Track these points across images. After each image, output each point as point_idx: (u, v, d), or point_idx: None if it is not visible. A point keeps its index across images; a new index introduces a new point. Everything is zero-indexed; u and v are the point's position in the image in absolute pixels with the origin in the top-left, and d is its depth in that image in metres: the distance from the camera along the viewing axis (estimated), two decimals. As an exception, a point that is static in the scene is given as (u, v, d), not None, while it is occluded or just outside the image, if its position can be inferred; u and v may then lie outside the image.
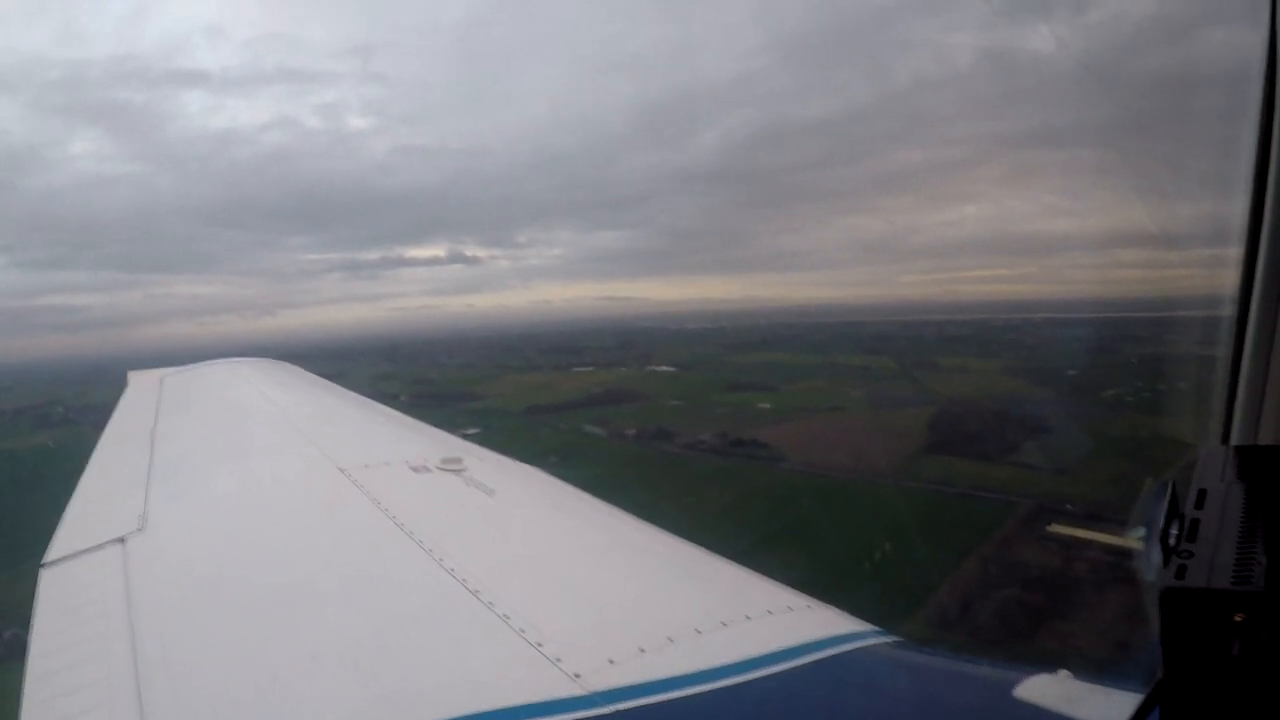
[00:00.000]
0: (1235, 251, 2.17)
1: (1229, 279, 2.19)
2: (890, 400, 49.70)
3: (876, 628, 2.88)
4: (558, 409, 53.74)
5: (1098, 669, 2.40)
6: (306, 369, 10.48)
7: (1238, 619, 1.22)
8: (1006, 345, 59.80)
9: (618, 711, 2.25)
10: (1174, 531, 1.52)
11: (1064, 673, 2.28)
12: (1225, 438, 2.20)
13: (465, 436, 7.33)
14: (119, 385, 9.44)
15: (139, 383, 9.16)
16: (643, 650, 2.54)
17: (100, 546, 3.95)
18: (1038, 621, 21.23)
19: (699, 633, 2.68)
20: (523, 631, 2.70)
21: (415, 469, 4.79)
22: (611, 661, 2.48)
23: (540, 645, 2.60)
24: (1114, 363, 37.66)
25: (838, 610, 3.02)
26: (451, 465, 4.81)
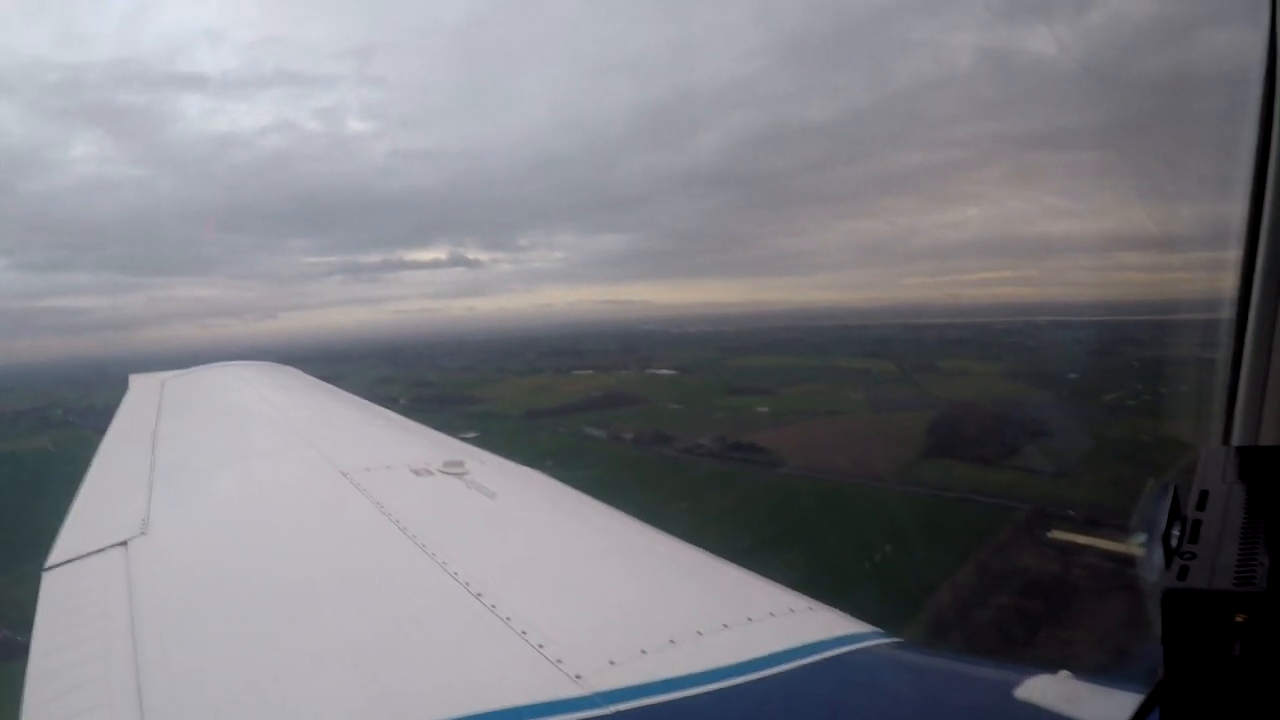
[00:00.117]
0: (1235, 253, 2.19)
1: (1229, 280, 2.22)
2: (890, 403, 49.61)
3: (878, 629, 2.88)
4: (557, 412, 53.67)
5: (1098, 671, 2.35)
6: (307, 372, 10.52)
7: (1239, 620, 1.23)
8: (1008, 348, 59.68)
9: (619, 712, 2.26)
10: (1176, 533, 1.53)
11: (1065, 673, 2.28)
12: (1226, 438, 2.24)
13: (463, 440, 7.30)
14: (120, 388, 9.46)
15: (140, 386, 9.18)
16: (644, 652, 2.56)
17: (102, 550, 3.96)
18: (1035, 629, 20.99)
19: (700, 634, 2.69)
20: (524, 633, 2.71)
21: (417, 472, 4.78)
22: (613, 663, 2.49)
23: (542, 647, 2.61)
24: (1115, 365, 37.52)
25: (839, 612, 3.01)
26: (453, 468, 4.81)
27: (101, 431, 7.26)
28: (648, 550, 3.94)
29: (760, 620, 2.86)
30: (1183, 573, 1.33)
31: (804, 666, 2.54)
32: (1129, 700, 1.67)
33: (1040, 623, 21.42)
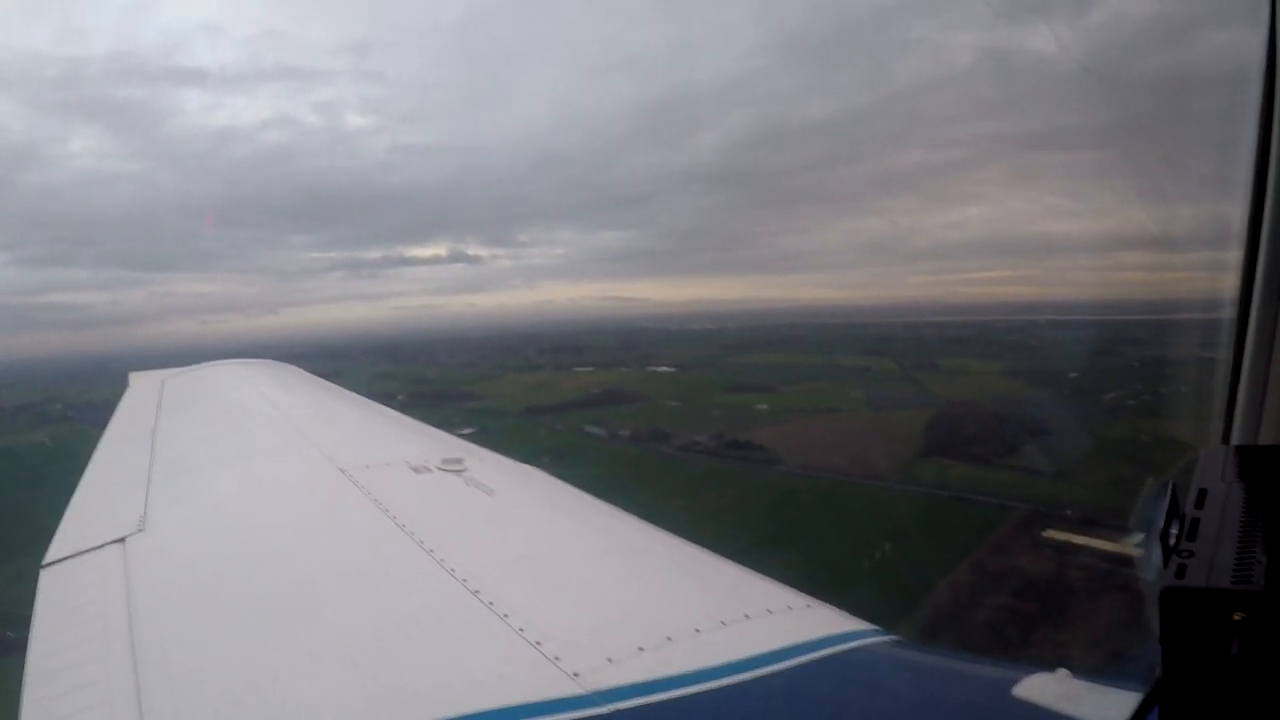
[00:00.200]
0: (1236, 253, 2.20)
1: (1229, 280, 2.23)
2: (889, 402, 49.57)
3: (876, 627, 2.88)
4: (556, 409, 53.67)
5: (1096, 670, 2.33)
6: (307, 368, 10.58)
7: (1237, 618, 1.23)
8: (1008, 347, 59.68)
9: (617, 710, 2.25)
10: (1174, 531, 1.53)
11: (1063, 672, 2.27)
12: (1226, 438, 2.25)
13: (461, 436, 7.31)
14: (119, 383, 9.53)
15: (140, 384, 9.22)
16: (642, 649, 2.55)
17: (100, 547, 3.95)
18: (1028, 630, 20.85)
19: (698, 632, 2.68)
20: (522, 630, 2.70)
21: (416, 469, 4.78)
22: (610, 660, 2.48)
23: (539, 644, 2.60)
24: (1115, 365, 37.58)
25: (837, 609, 3.01)
26: (452, 465, 4.81)
27: (100, 426, 7.29)
28: (646, 548, 3.93)
29: (758, 618, 2.85)
30: (1181, 571, 1.33)
31: (802, 664, 2.53)
32: (1127, 698, 1.68)
33: (1032, 623, 21.29)
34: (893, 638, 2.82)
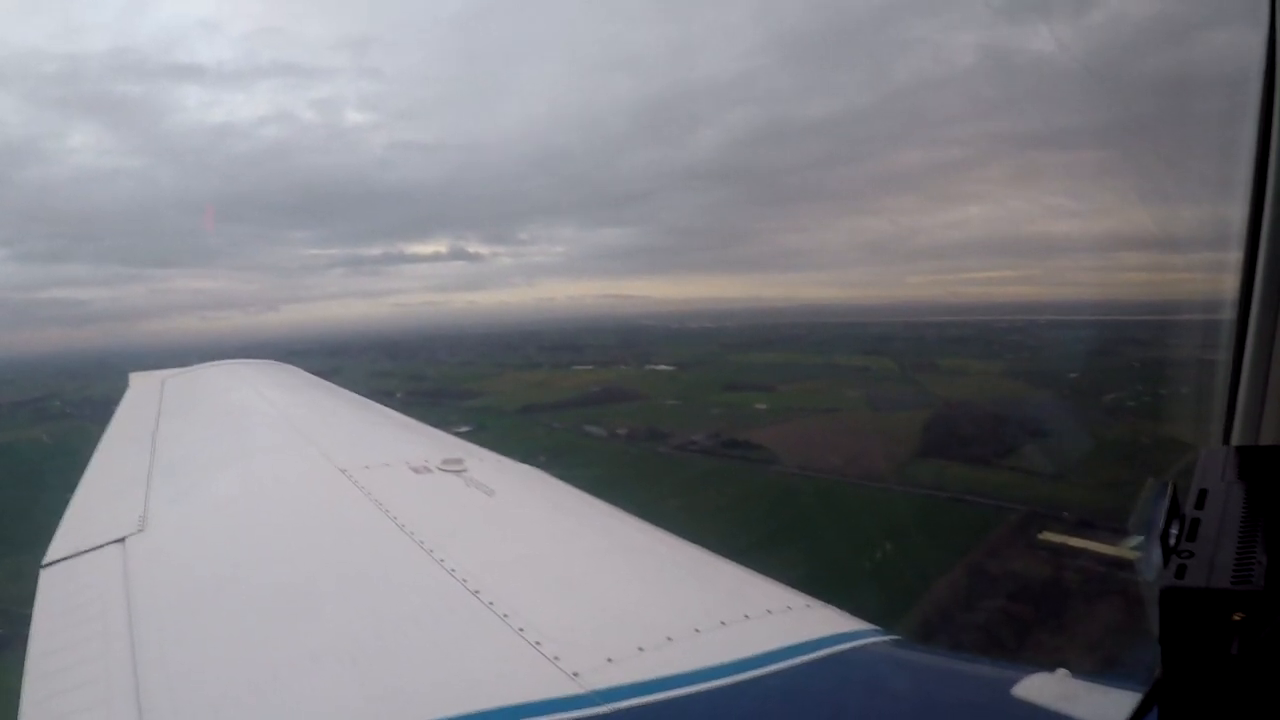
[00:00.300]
0: (1236, 253, 2.20)
1: (1230, 281, 2.23)
2: (888, 402, 49.37)
3: (876, 627, 2.88)
4: (553, 407, 53.57)
5: (1096, 669, 2.39)
6: (307, 364, 10.63)
7: (1237, 618, 1.23)
8: (1008, 347, 59.53)
9: (616, 710, 2.25)
10: (1174, 531, 1.53)
11: (1063, 672, 2.28)
12: (1226, 438, 2.25)
13: (457, 434, 7.33)
14: (118, 379, 9.58)
15: (140, 384, 9.20)
16: (641, 649, 2.55)
17: (100, 547, 3.96)
18: (1020, 634, 20.63)
19: (698, 632, 2.68)
20: (521, 630, 2.70)
21: (415, 469, 4.79)
22: (610, 660, 2.48)
23: (539, 644, 2.60)
24: (1115, 365, 37.49)
25: (837, 609, 3.01)
26: (452, 466, 4.82)
27: (99, 423, 7.38)
28: (646, 548, 3.94)
29: (758, 618, 2.85)
30: (1181, 571, 1.33)
31: (802, 664, 2.53)
32: (1127, 698, 1.68)
33: (1024, 628, 21.07)
34: (893, 638, 2.81)
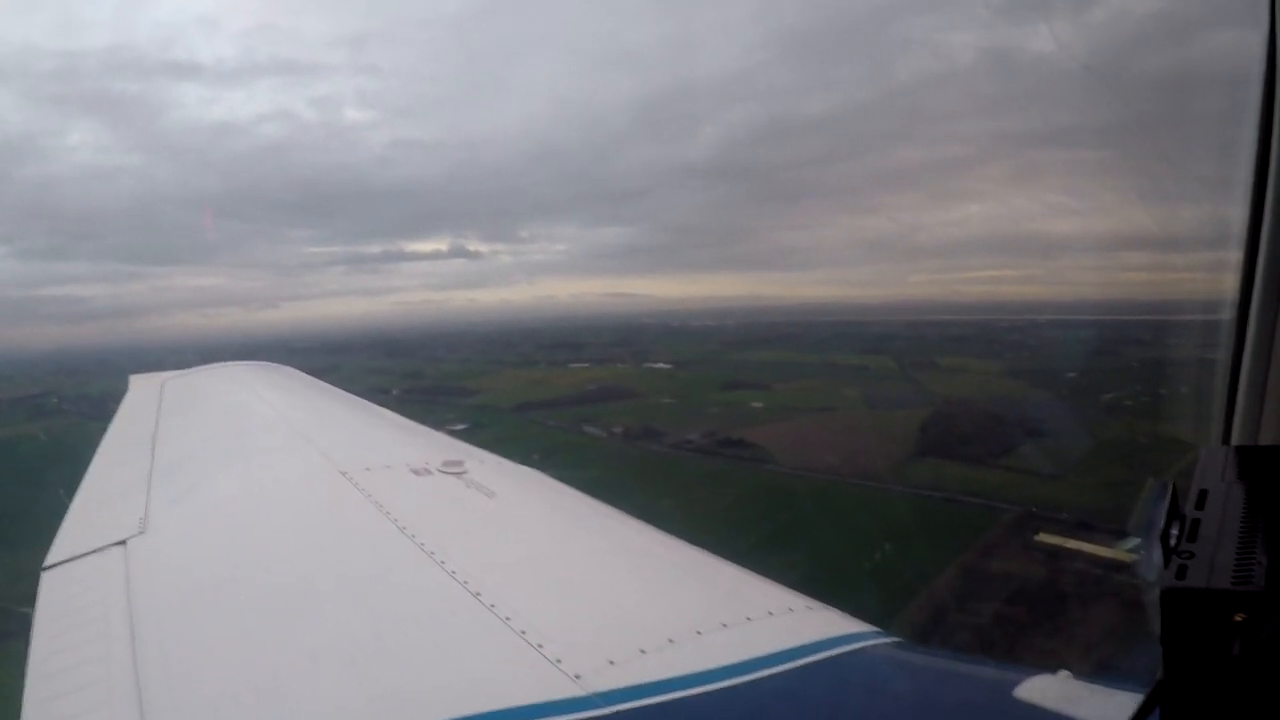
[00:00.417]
0: (1236, 253, 2.20)
1: (1230, 280, 2.24)
2: (886, 401, 49.30)
3: (877, 629, 2.89)
4: (549, 405, 53.45)
5: (1097, 670, 2.29)
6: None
7: (1238, 619, 1.22)
8: (1008, 346, 59.45)
9: (618, 712, 2.26)
10: (1174, 532, 1.53)
11: (1064, 673, 2.29)
12: (1226, 438, 2.26)
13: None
14: (117, 377, 9.66)
15: (140, 386, 9.25)
16: (643, 651, 2.56)
17: (101, 549, 3.98)
18: (1013, 638, 20.22)
19: (699, 634, 2.69)
20: (523, 633, 2.71)
21: (416, 472, 4.80)
22: (612, 662, 2.49)
23: (541, 646, 2.61)
24: (1115, 365, 37.38)
25: (838, 611, 3.02)
26: (452, 468, 4.83)
27: (96, 420, 7.49)
28: (647, 550, 3.95)
29: (759, 620, 2.85)
30: (1181, 571, 1.33)
31: (803, 666, 2.53)
32: (1128, 700, 1.69)
33: (1016, 631, 20.69)
34: (894, 640, 2.82)
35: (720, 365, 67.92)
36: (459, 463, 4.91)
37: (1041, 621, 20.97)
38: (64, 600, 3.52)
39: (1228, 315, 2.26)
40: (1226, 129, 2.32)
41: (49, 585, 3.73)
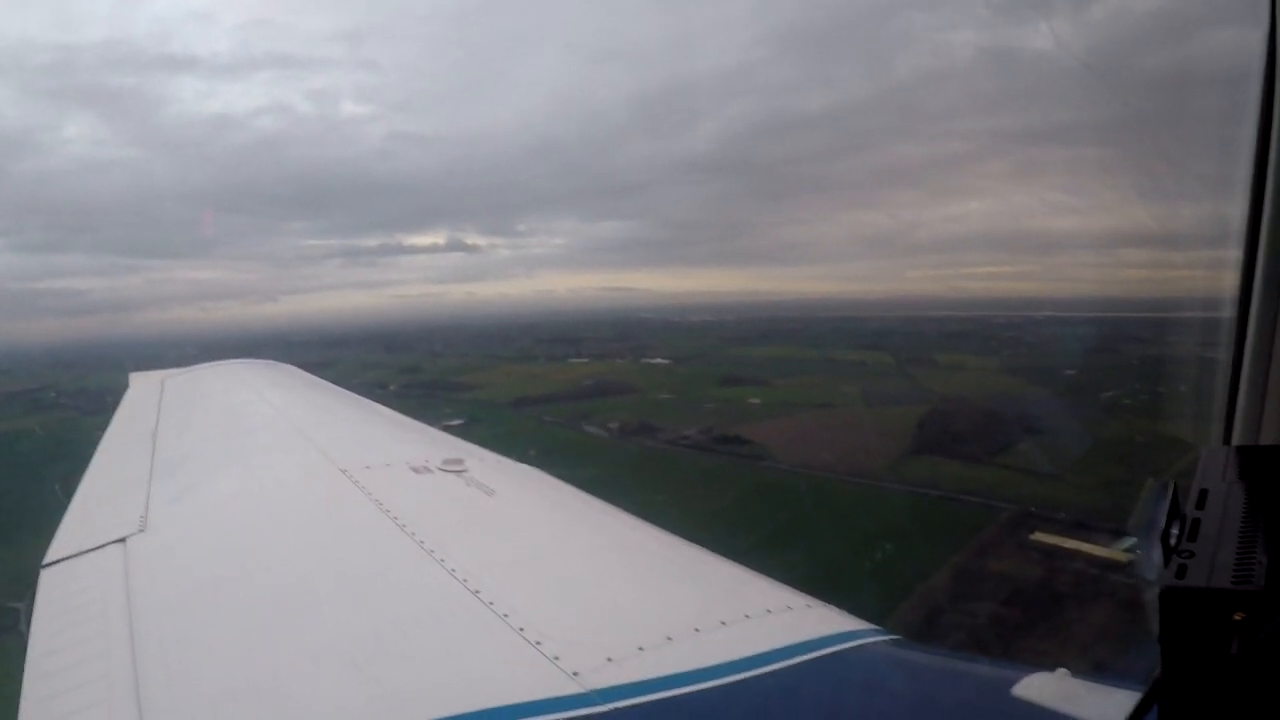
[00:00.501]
0: (1236, 252, 2.20)
1: (1230, 279, 2.23)
2: (883, 397, 49.27)
3: (876, 627, 2.88)
4: (546, 401, 53.43)
5: (1096, 668, 2.39)
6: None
7: (1238, 618, 1.22)
8: (1006, 343, 59.50)
9: (616, 709, 2.26)
10: (1175, 531, 1.53)
11: (1063, 671, 2.28)
12: (1227, 438, 2.25)
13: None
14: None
15: (140, 384, 9.28)
16: (641, 649, 2.56)
17: (101, 547, 3.99)
18: (1006, 639, 20.05)
19: (698, 631, 2.69)
20: (521, 630, 2.71)
21: (416, 470, 4.82)
22: (610, 660, 2.49)
23: (539, 644, 2.61)
24: (1114, 363, 37.31)
25: (837, 609, 3.02)
26: (452, 466, 4.83)
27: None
28: (645, 548, 3.96)
29: (758, 617, 2.85)
30: (1181, 571, 1.33)
31: (802, 664, 2.53)
32: (1127, 698, 1.66)
33: (1010, 632, 20.54)
34: (893, 637, 2.81)
35: (718, 361, 67.94)
36: (459, 461, 4.91)
37: (1035, 623, 20.82)
38: (63, 598, 3.52)
39: (1228, 314, 2.25)
40: (1226, 127, 2.30)
41: (48, 583, 3.73)
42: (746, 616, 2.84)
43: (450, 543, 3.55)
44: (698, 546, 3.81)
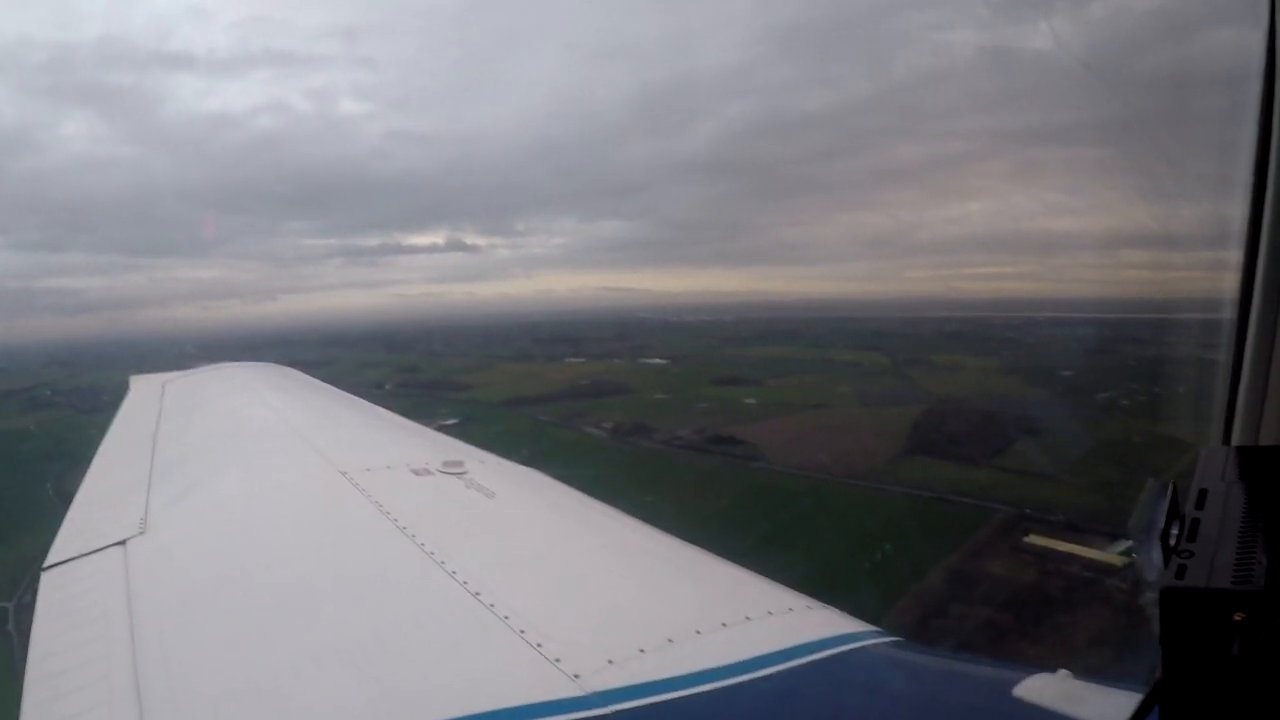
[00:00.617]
0: (1236, 253, 2.18)
1: (1230, 280, 2.22)
2: (878, 398, 49.35)
3: (877, 628, 2.89)
4: (542, 401, 53.47)
5: (1097, 669, 2.36)
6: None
7: (1238, 618, 1.22)
8: (1004, 343, 59.45)
9: (617, 712, 2.26)
10: (1174, 531, 1.52)
11: (1063, 672, 2.28)
12: (1226, 438, 2.24)
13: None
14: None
15: (141, 387, 9.23)
16: (642, 651, 2.55)
17: (101, 550, 3.99)
18: (997, 644, 19.82)
19: (698, 633, 2.69)
20: (522, 632, 2.71)
21: (416, 472, 4.81)
22: (611, 662, 2.49)
23: (540, 646, 2.61)
24: (1112, 364, 37.18)
25: (838, 611, 3.02)
26: (452, 468, 4.84)
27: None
28: (646, 550, 3.95)
29: (759, 619, 2.85)
30: (1181, 571, 1.33)
31: (803, 665, 2.53)
32: (1127, 699, 1.68)
33: (1002, 637, 20.16)
34: (894, 639, 2.81)
35: (715, 361, 68.01)
36: (459, 463, 4.91)
37: (1027, 628, 20.60)
38: (64, 600, 3.51)
39: (1228, 314, 2.24)
40: (1226, 128, 2.30)
41: (49, 585, 3.72)
42: (747, 618, 2.84)
43: (451, 545, 3.55)
44: (698, 548, 3.81)
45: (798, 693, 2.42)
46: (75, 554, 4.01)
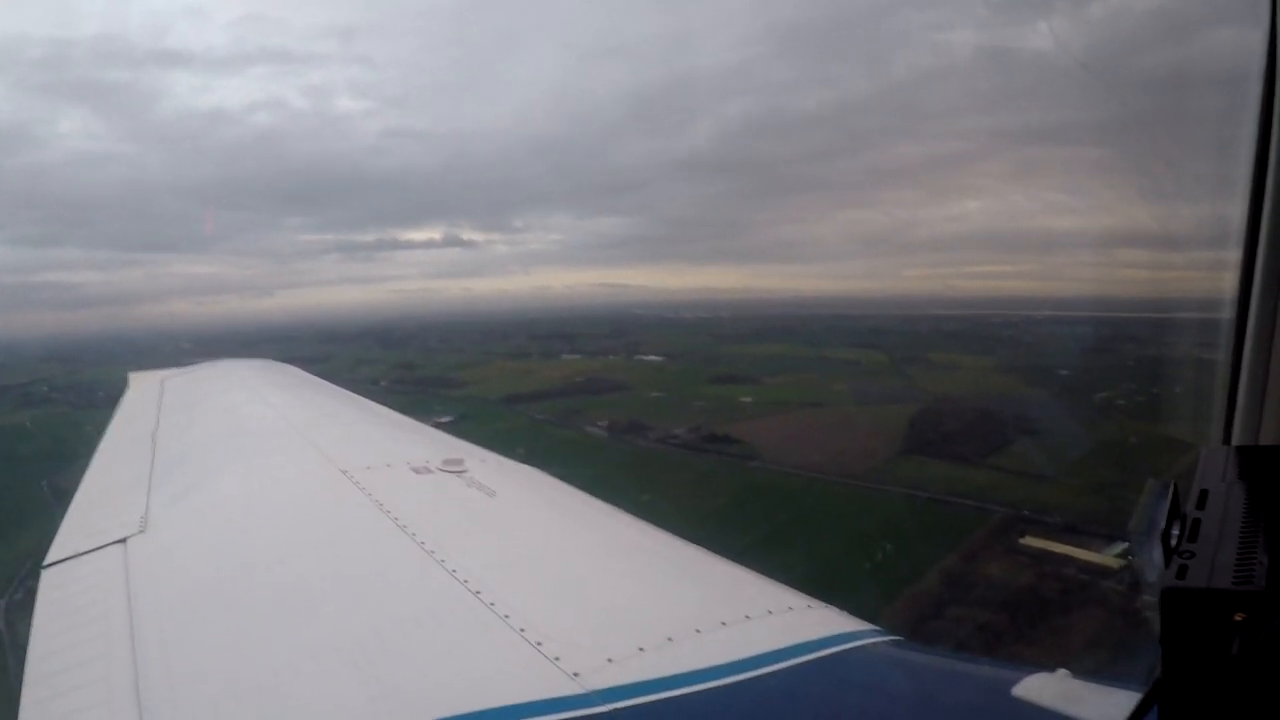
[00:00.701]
0: (1235, 252, 2.18)
1: (1229, 279, 2.22)
2: (875, 396, 49.07)
3: (877, 627, 2.89)
4: (538, 398, 53.19)
5: (1097, 668, 2.37)
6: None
7: (1238, 618, 1.22)
8: (1002, 342, 59.36)
9: (616, 710, 2.26)
10: (1175, 532, 1.52)
11: (1063, 672, 2.29)
12: (1226, 438, 2.24)
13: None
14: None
15: (140, 384, 9.29)
16: (642, 649, 2.56)
17: (101, 548, 4.01)
18: (992, 648, 19.80)
19: (698, 632, 2.69)
20: (522, 631, 2.72)
21: (416, 470, 4.83)
22: (610, 660, 2.49)
23: (540, 644, 2.62)
24: (1110, 363, 37.08)
25: (837, 610, 3.02)
26: (452, 466, 4.85)
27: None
28: (646, 548, 3.96)
29: (758, 618, 2.85)
30: (1182, 571, 1.33)
31: (802, 664, 2.53)
32: (1127, 698, 1.67)
33: (997, 641, 19.94)
34: (893, 638, 2.82)
35: (711, 358, 67.83)
36: (459, 461, 4.92)
37: (1022, 632, 20.38)
38: (64, 598, 3.52)
39: (1227, 314, 2.24)
40: (1226, 128, 2.30)
41: (49, 583, 3.73)
42: (747, 617, 2.84)
43: (451, 543, 3.55)
44: (698, 547, 3.81)
45: (797, 691, 2.42)
46: (75, 552, 4.02)
